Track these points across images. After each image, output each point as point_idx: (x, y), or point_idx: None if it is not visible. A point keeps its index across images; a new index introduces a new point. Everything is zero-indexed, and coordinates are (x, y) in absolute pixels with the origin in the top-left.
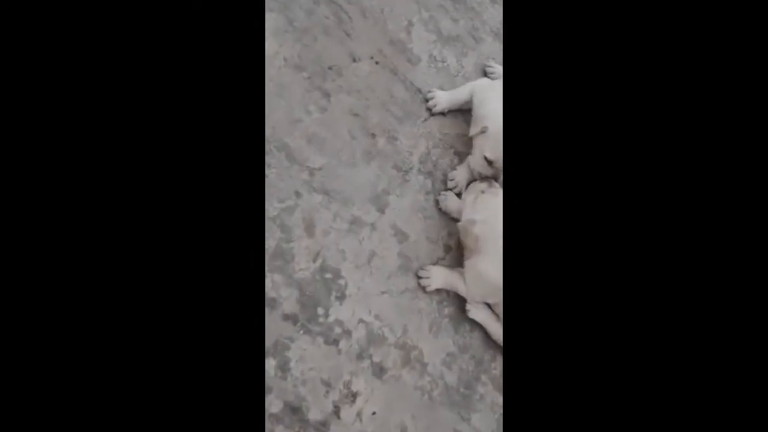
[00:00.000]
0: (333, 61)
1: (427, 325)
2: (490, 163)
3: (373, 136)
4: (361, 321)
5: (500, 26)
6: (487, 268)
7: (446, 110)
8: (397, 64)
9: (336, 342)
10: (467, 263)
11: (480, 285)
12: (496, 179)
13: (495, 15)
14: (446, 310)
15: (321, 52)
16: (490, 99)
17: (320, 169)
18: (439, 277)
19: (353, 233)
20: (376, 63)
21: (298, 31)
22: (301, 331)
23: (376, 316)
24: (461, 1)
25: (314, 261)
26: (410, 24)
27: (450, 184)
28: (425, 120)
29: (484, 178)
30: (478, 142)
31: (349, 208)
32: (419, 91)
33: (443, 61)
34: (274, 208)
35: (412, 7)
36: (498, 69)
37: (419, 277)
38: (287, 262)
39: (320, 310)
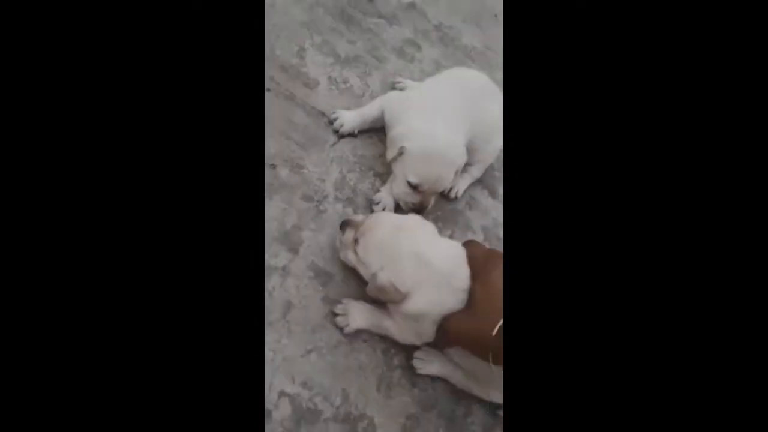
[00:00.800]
0: None
1: (374, 384)
2: (414, 188)
3: (273, 167)
4: (282, 394)
5: (402, 44)
6: (423, 308)
7: (355, 130)
8: (292, 90)
9: None
10: (395, 311)
11: (423, 327)
12: (423, 207)
13: (394, 35)
14: (395, 360)
15: None
16: (403, 115)
17: None
18: (361, 313)
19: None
20: (268, 90)
21: None
22: None
23: (304, 384)
24: (355, 24)
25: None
26: (302, 49)
27: (376, 209)
28: (333, 144)
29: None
30: (398, 167)
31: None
32: (322, 114)
33: (345, 83)
34: None
35: (302, 33)
36: (408, 82)
37: (335, 315)
38: None
39: None
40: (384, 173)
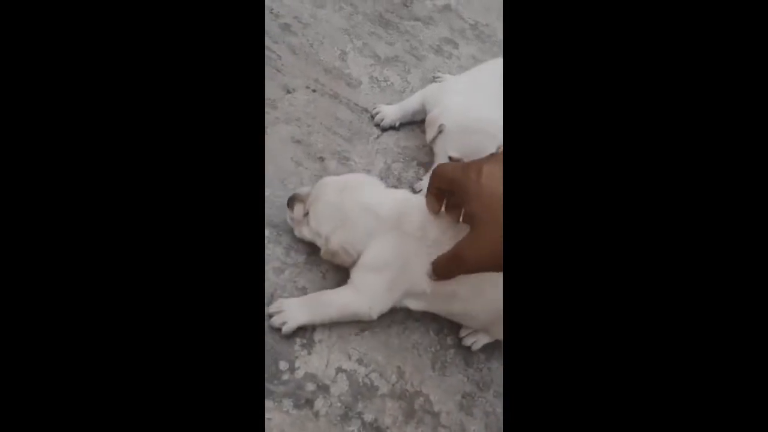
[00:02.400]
0: (265, 96)
1: (429, 362)
2: (458, 162)
3: (322, 159)
4: (340, 370)
5: (439, 43)
6: (380, 257)
7: (396, 123)
8: (336, 89)
9: (310, 403)
10: (355, 275)
11: (382, 283)
12: None
13: (431, 35)
14: (449, 340)
15: None
16: (441, 97)
17: (264, 201)
18: (299, 307)
19: (313, 265)
20: (313, 91)
21: None
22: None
23: (359, 361)
24: (393, 27)
25: (268, 304)
26: (344, 53)
27: (418, 186)
28: (377, 137)
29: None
30: (438, 145)
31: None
32: (366, 110)
33: (386, 81)
34: None
35: (343, 38)
36: (446, 77)
37: (269, 315)
38: None
39: (283, 365)
40: (427, 162)
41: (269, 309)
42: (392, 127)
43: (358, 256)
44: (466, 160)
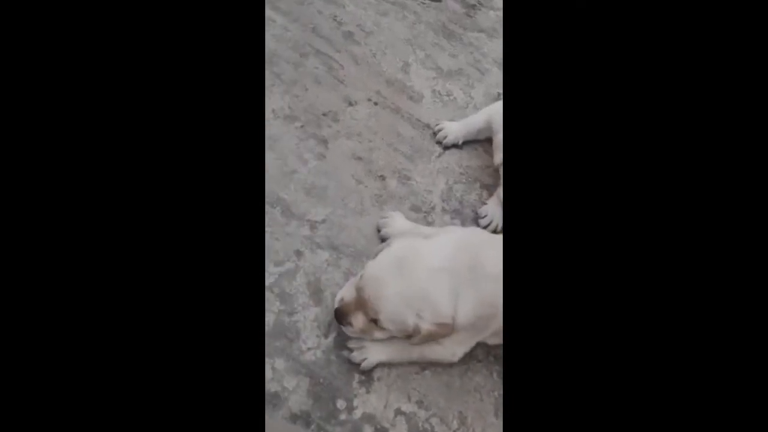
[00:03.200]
0: (327, 108)
1: (492, 408)
2: None
3: (383, 178)
4: (399, 413)
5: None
6: (473, 312)
7: (460, 141)
8: (398, 103)
9: None
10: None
11: (479, 331)
12: None
13: (495, 48)
14: None
15: (313, 101)
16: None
17: (323, 221)
18: (380, 346)
19: None
20: (375, 104)
21: (286, 83)
22: None
23: (419, 403)
24: (456, 38)
25: (326, 336)
26: (406, 64)
27: (482, 222)
28: (439, 155)
29: None
30: None
31: (364, 263)
32: (428, 126)
33: (449, 95)
34: (271, 275)
35: (406, 49)
36: None
37: (350, 350)
38: (291, 342)
39: (340, 403)
40: (490, 184)
41: (350, 343)
42: (455, 146)
43: (454, 321)
44: None
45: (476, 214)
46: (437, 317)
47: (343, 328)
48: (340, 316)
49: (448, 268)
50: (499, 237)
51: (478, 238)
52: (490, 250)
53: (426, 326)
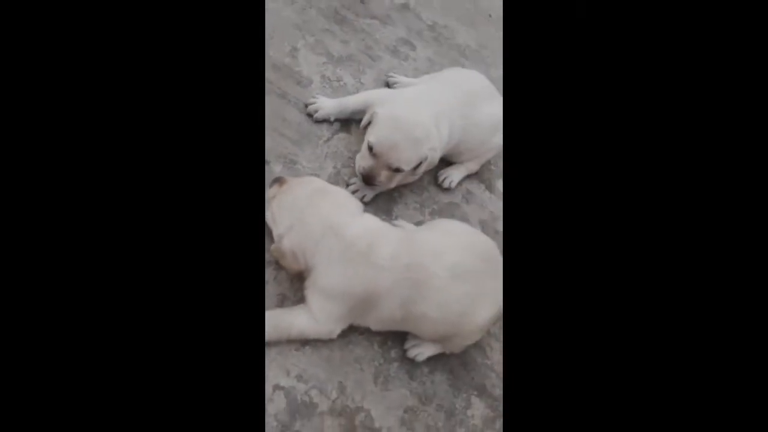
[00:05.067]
0: None
1: (371, 377)
2: (371, 149)
3: (267, 163)
4: (277, 388)
5: (395, 44)
6: (339, 284)
7: (331, 117)
8: (285, 88)
9: None
10: (310, 291)
11: (339, 308)
12: (372, 177)
13: (388, 34)
14: (392, 353)
15: None
16: (389, 100)
17: None
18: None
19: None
20: None
21: None
22: None
23: (299, 377)
24: (348, 24)
25: None
26: (294, 49)
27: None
28: (327, 140)
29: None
30: (367, 133)
31: None
32: None
33: (339, 80)
34: None
35: (294, 34)
36: (402, 79)
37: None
38: None
39: None
40: None
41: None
42: (326, 120)
43: (307, 269)
44: (380, 149)
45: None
46: (297, 246)
47: (267, 190)
48: (274, 180)
49: (343, 236)
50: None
51: (392, 237)
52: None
53: (286, 242)
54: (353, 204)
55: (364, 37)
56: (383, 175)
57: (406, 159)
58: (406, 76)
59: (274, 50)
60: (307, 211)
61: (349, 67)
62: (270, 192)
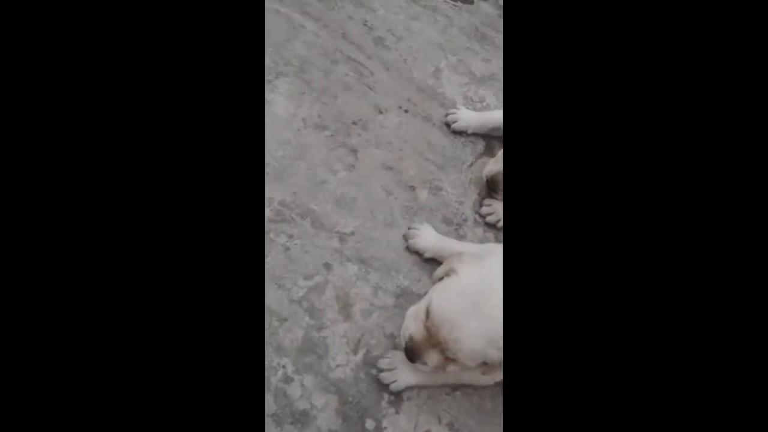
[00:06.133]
0: (357, 116)
1: None
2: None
3: (413, 188)
4: None
5: None
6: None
7: (469, 130)
8: (429, 111)
9: None
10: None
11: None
12: None
13: None
14: None
15: (343, 109)
16: None
17: (353, 233)
18: (412, 369)
19: (403, 310)
20: (405, 111)
21: (317, 91)
22: None
23: (450, 426)
24: (489, 42)
25: (355, 353)
26: (438, 70)
27: (491, 219)
28: (471, 165)
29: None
30: None
31: (393, 278)
32: (460, 134)
33: (481, 101)
34: (300, 288)
35: (437, 54)
36: None
37: (379, 370)
38: (320, 358)
39: (369, 424)
40: None
41: (380, 363)
42: (463, 132)
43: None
44: None
45: (480, 215)
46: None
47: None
48: (413, 355)
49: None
50: None
51: None
52: None
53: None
54: (439, 239)
55: None
56: None
57: None
58: None
59: (417, 72)
60: (494, 323)
61: (491, 86)
62: (431, 361)
